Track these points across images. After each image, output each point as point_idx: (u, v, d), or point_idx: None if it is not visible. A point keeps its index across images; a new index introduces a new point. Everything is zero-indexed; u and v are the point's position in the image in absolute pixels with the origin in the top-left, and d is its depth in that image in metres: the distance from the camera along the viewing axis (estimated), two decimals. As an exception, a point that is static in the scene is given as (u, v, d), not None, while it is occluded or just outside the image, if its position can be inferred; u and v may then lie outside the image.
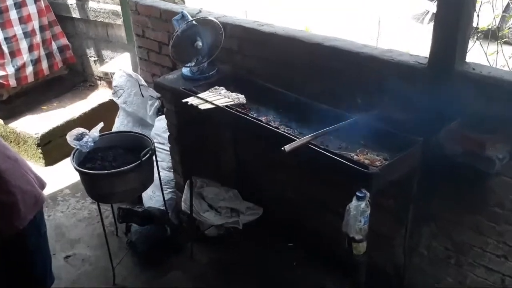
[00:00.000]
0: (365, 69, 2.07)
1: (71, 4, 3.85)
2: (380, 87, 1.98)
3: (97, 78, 4.19)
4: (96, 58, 4.10)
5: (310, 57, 2.21)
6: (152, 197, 2.94)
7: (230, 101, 2.17)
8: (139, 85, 3.05)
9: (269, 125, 2.04)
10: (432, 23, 1.78)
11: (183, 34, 2.36)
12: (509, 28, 3.99)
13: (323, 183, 2.39)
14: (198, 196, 2.60)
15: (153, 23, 2.96)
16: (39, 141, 3.39)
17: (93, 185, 2.41)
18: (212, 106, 2.10)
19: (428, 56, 1.86)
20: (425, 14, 6.87)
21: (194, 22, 2.36)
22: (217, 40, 2.43)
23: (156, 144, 2.67)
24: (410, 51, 2.04)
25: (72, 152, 2.42)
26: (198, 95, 2.21)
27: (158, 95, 2.93)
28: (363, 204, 1.61)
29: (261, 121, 2.07)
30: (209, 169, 2.72)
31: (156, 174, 2.63)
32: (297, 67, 2.29)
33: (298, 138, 1.83)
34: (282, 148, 1.79)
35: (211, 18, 2.39)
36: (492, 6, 2.60)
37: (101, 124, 2.46)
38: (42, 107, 3.84)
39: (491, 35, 2.73)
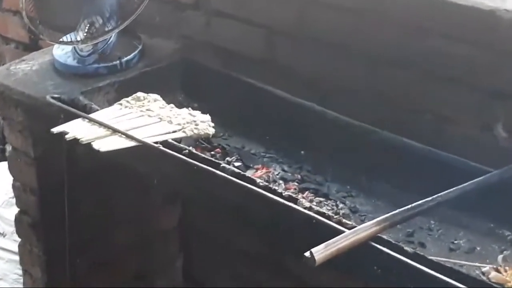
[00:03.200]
0: (509, 46, 2.05)
1: None
2: None
3: None
4: None
5: (369, 24, 2.32)
6: None
7: (174, 131, 2.20)
8: None
9: (271, 191, 1.96)
10: None
11: None
12: None
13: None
14: None
15: None
16: None
17: None
18: (130, 143, 2.13)
19: None
20: None
21: None
22: None
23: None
24: None
25: None
26: (93, 114, 2.24)
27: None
28: None
29: (251, 181, 1.98)
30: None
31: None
32: (338, 46, 2.40)
33: (348, 227, 1.81)
34: (307, 255, 1.68)
35: None
36: None
37: None
38: None
39: None
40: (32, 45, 3.20)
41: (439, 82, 2.18)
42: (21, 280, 3.09)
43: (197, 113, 2.27)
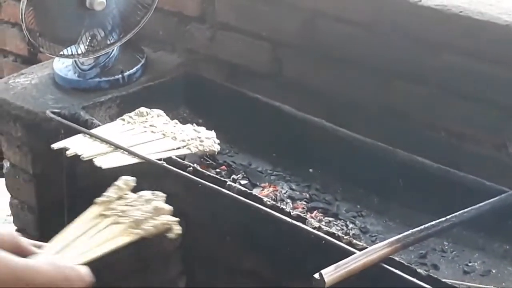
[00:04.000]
0: None
1: None
2: None
3: None
4: None
5: (380, 37, 2.33)
6: None
7: (179, 147, 2.20)
8: None
9: (279, 210, 1.96)
10: None
11: None
12: None
13: None
14: None
15: None
16: None
17: None
18: (133, 160, 2.13)
19: None
20: None
21: None
22: None
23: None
24: None
25: None
26: (95, 129, 2.24)
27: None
28: None
29: (257, 199, 1.98)
30: None
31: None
32: (346, 60, 2.42)
33: (358, 248, 1.80)
34: (317, 277, 1.68)
35: None
36: None
37: None
38: None
39: None
40: (31, 58, 3.19)
41: (454, 98, 2.20)
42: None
43: (202, 129, 2.27)
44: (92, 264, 1.69)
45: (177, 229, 1.78)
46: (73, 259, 1.77)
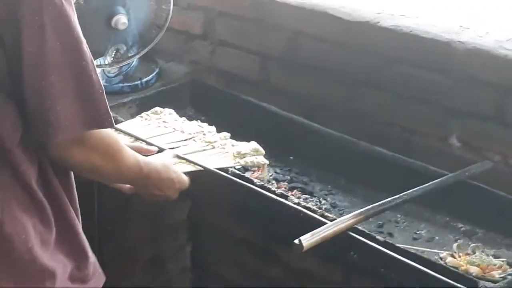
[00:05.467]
0: (465, 77, 2.07)
1: None
2: (498, 114, 2.04)
3: None
4: None
5: (349, 52, 2.31)
6: None
7: (186, 139, 2.17)
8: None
9: (266, 189, 1.96)
10: None
11: (90, 0, 2.38)
12: None
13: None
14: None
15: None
16: None
17: None
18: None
19: None
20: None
21: (112, -25, 2.41)
22: (160, 13, 2.49)
23: None
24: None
25: None
26: (119, 124, 2.18)
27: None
28: None
29: (249, 181, 1.99)
30: (137, 278, 2.80)
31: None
32: (322, 70, 2.40)
33: (329, 219, 1.81)
34: (296, 242, 1.69)
35: (147, -32, 2.50)
36: None
37: None
38: None
39: None
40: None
41: (406, 101, 2.19)
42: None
43: (205, 124, 2.23)
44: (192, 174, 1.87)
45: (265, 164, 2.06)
46: (181, 167, 1.90)
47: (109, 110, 1.51)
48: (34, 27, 1.38)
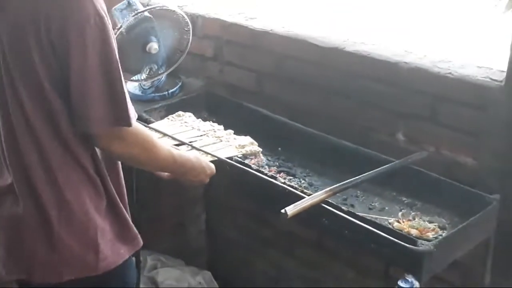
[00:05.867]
0: (409, 88, 2.08)
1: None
2: (433, 116, 2.03)
3: None
4: None
5: (323, 70, 2.28)
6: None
7: (201, 135, 2.17)
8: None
9: (261, 172, 1.98)
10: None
11: (130, 32, 2.37)
12: None
13: (345, 265, 2.41)
14: (149, 282, 2.51)
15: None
16: None
17: None
18: (174, 142, 2.08)
19: (506, 69, 1.82)
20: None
21: (147, 13, 2.36)
22: (182, 41, 2.47)
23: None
24: (477, 61, 2.00)
25: None
26: (152, 124, 2.20)
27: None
28: (408, 299, 1.59)
29: (248, 166, 1.99)
30: (165, 239, 2.76)
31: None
32: (303, 83, 2.37)
33: (307, 194, 1.81)
34: (282, 211, 1.71)
35: (172, 7, 2.44)
36: None
37: None
38: None
39: None
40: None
41: (365, 106, 2.18)
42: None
43: (215, 124, 2.24)
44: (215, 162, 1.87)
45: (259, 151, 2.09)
46: (206, 157, 1.92)
47: (129, 111, 1.51)
48: (79, 48, 1.41)
